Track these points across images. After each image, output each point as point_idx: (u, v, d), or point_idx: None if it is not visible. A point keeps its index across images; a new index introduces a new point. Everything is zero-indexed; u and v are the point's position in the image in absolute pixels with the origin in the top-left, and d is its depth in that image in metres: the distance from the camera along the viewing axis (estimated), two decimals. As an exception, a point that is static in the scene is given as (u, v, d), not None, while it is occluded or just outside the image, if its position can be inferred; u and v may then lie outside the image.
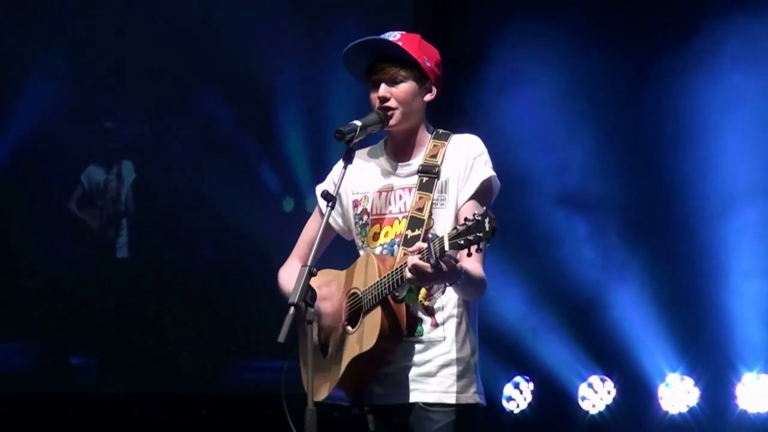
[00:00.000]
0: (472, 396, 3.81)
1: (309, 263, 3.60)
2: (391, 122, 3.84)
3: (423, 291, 3.76)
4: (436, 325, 3.79)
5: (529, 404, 7.95)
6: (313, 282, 3.63)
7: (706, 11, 7.13)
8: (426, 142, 3.90)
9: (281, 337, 3.46)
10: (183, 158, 8.94)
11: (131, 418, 8.52)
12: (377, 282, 3.69)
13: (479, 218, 3.41)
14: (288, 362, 3.75)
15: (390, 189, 3.90)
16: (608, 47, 7.47)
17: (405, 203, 3.85)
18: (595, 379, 7.72)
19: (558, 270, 7.58)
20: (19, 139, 8.91)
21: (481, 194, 3.81)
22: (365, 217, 3.92)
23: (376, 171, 3.94)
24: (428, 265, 3.49)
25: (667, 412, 7.46)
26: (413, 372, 3.78)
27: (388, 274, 3.66)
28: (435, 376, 3.77)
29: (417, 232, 3.74)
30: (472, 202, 3.79)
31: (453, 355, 3.78)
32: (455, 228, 3.47)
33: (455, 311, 3.80)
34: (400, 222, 3.84)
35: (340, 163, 3.85)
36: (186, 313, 8.84)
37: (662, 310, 7.36)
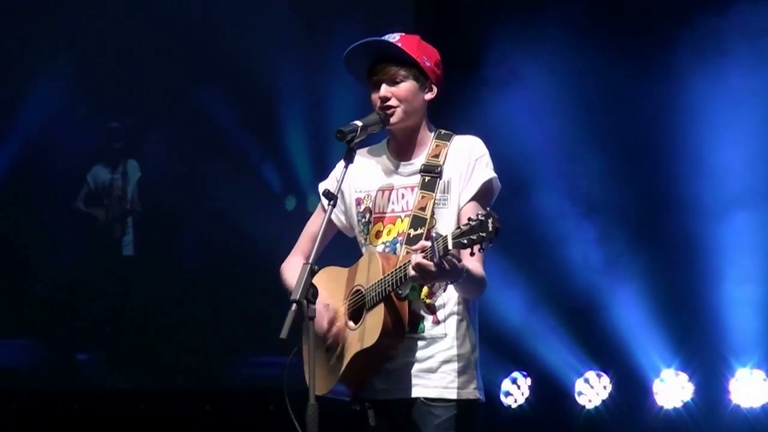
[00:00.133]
0: (472, 392, 3.81)
1: (311, 261, 3.60)
2: (392, 120, 3.84)
3: (425, 289, 3.76)
4: (437, 323, 3.79)
5: (527, 399, 7.95)
6: (319, 279, 3.63)
7: (705, 11, 7.11)
8: (428, 141, 3.90)
9: (283, 333, 3.46)
10: (187, 158, 8.93)
11: (136, 413, 8.52)
12: (381, 279, 3.69)
13: (482, 218, 3.42)
14: (290, 358, 3.74)
15: (392, 188, 3.90)
16: (607, 48, 7.45)
17: (407, 202, 3.85)
18: (591, 374, 7.72)
19: (556, 269, 7.58)
20: (26, 140, 8.90)
21: (483, 195, 3.81)
22: (368, 215, 3.92)
23: (378, 170, 3.94)
24: (431, 263, 3.49)
25: (661, 407, 7.46)
26: (415, 368, 3.78)
27: (391, 272, 3.66)
28: (436, 372, 3.78)
29: (419, 231, 3.74)
30: (474, 203, 3.79)
31: (454, 352, 3.78)
32: (459, 228, 3.47)
33: (456, 309, 3.80)
34: (402, 220, 3.84)
35: (342, 163, 3.84)
36: (190, 310, 8.84)
37: (657, 307, 7.35)
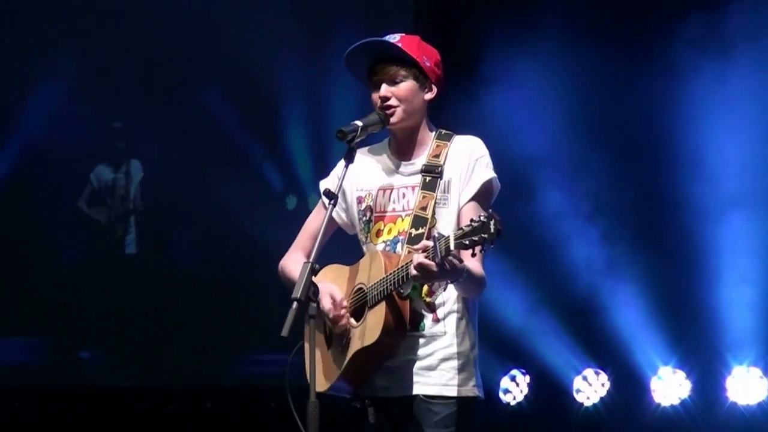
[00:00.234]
0: (471, 389, 3.80)
1: (311, 259, 3.59)
2: (393, 120, 3.83)
3: (425, 287, 3.76)
4: (437, 321, 3.78)
5: (526, 396, 7.94)
6: (321, 276, 3.64)
7: (705, 12, 7.10)
8: (428, 141, 3.89)
9: (284, 332, 3.45)
10: (189, 157, 8.92)
11: (139, 410, 8.51)
12: (383, 278, 3.68)
13: (484, 220, 3.42)
14: (292, 356, 3.73)
15: (393, 187, 3.89)
16: (606, 49, 7.43)
17: (408, 201, 3.85)
18: (589, 372, 7.71)
19: (554, 269, 7.57)
20: (29, 140, 8.90)
21: (482, 195, 3.81)
22: (369, 214, 3.91)
23: (380, 169, 3.93)
24: (433, 263, 3.49)
25: (659, 404, 7.45)
26: (415, 365, 3.77)
27: (393, 271, 3.65)
28: (436, 370, 3.77)
29: (421, 230, 3.74)
30: (474, 203, 3.79)
31: (453, 350, 3.78)
32: (461, 228, 3.47)
33: (456, 307, 3.80)
34: (403, 219, 3.84)
35: (342, 162, 3.83)
36: (192, 309, 8.84)
37: (655, 306, 7.35)
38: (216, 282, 8.80)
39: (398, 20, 8.24)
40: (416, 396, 3.76)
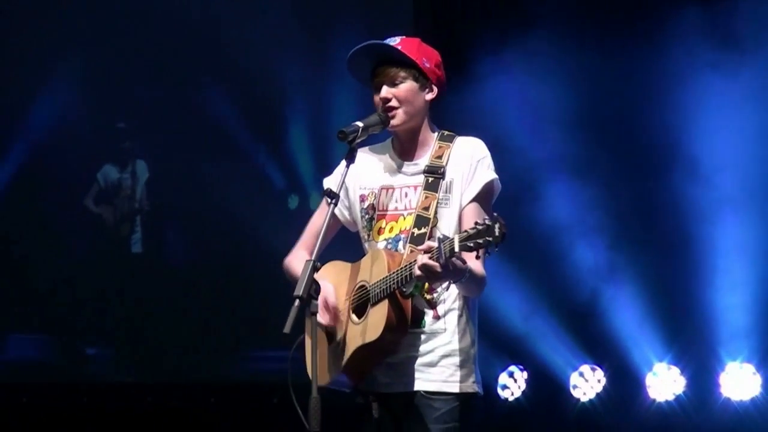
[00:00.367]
0: (471, 385, 3.80)
1: (313, 257, 3.59)
2: (394, 122, 3.84)
3: (426, 285, 3.75)
4: (437, 318, 3.78)
5: (523, 392, 7.93)
6: (325, 272, 3.66)
7: (698, 13, 7.10)
8: (431, 142, 3.89)
9: (287, 328, 3.46)
10: (193, 158, 8.92)
11: (144, 405, 8.51)
12: (386, 277, 3.68)
13: (489, 223, 3.42)
14: (293, 351, 3.73)
15: (396, 186, 3.89)
16: (601, 50, 7.43)
17: (410, 201, 3.85)
18: (586, 368, 7.70)
19: (552, 268, 7.56)
20: (36, 140, 8.90)
21: (484, 196, 3.81)
22: (371, 212, 3.91)
23: (383, 168, 3.93)
24: (438, 264, 3.50)
25: (654, 400, 7.45)
26: (416, 362, 3.77)
27: (396, 270, 3.65)
28: (436, 366, 3.76)
29: (423, 230, 3.74)
30: (475, 204, 3.79)
31: (453, 346, 3.77)
32: (466, 231, 3.47)
33: (456, 304, 3.79)
34: (405, 218, 3.84)
35: (344, 162, 3.83)
36: (196, 306, 8.84)
37: (650, 303, 7.34)
38: (219, 280, 8.79)
39: (398, 21, 8.24)
40: (417, 392, 3.76)
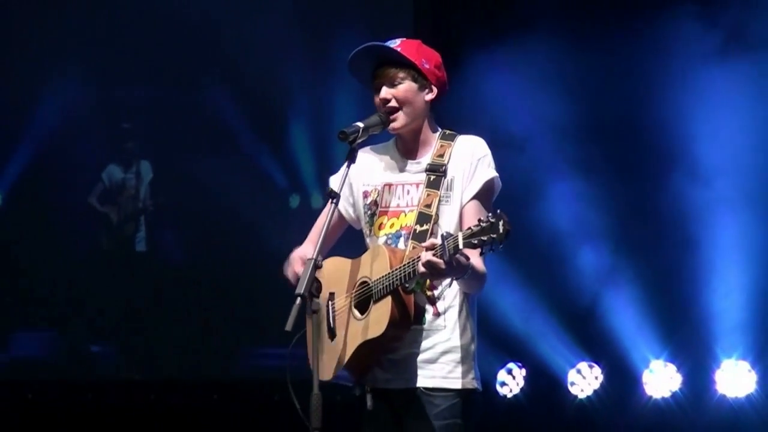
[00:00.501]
0: (470, 381, 3.79)
1: (314, 256, 3.58)
2: (395, 125, 3.84)
3: (427, 281, 3.74)
4: (437, 315, 3.77)
5: (522, 389, 7.94)
6: (325, 268, 3.65)
7: (694, 11, 7.08)
8: (432, 141, 3.89)
9: (288, 326, 3.45)
10: (197, 158, 8.91)
11: (148, 402, 8.50)
12: (389, 273, 3.67)
13: (493, 220, 3.41)
14: (291, 345, 3.72)
15: (399, 184, 3.89)
16: (601, 52, 7.43)
17: (412, 198, 3.85)
18: (583, 365, 7.71)
19: (550, 267, 7.56)
20: (42, 140, 8.89)
21: (484, 194, 3.80)
22: (374, 208, 3.91)
23: (386, 166, 3.93)
24: (441, 261, 3.49)
25: (651, 397, 7.46)
26: (416, 358, 3.76)
27: (400, 267, 3.65)
28: (436, 362, 3.75)
29: (425, 227, 3.74)
30: (476, 201, 3.78)
31: (453, 343, 3.76)
32: (470, 228, 3.46)
33: (455, 301, 3.79)
34: (406, 215, 3.83)
35: (346, 163, 3.83)
36: (199, 304, 8.84)
37: (647, 301, 7.35)
38: (222, 279, 8.79)
39: (398, 22, 8.24)
40: (417, 388, 3.75)
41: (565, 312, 7.63)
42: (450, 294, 3.78)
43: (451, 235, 3.48)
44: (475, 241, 3.42)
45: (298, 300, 3.49)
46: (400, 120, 3.83)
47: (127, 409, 8.43)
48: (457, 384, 3.75)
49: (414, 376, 3.75)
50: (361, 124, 3.77)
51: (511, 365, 7.95)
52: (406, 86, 3.82)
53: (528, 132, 7.52)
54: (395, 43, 3.85)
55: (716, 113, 7.06)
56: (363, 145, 3.85)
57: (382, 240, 3.83)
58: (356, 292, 3.80)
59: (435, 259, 3.49)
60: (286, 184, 8.98)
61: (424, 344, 3.76)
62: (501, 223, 3.39)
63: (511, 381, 7.96)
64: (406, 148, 3.91)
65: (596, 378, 7.68)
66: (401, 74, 3.82)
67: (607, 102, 7.47)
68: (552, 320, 7.64)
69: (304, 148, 8.82)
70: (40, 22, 8.93)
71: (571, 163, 7.53)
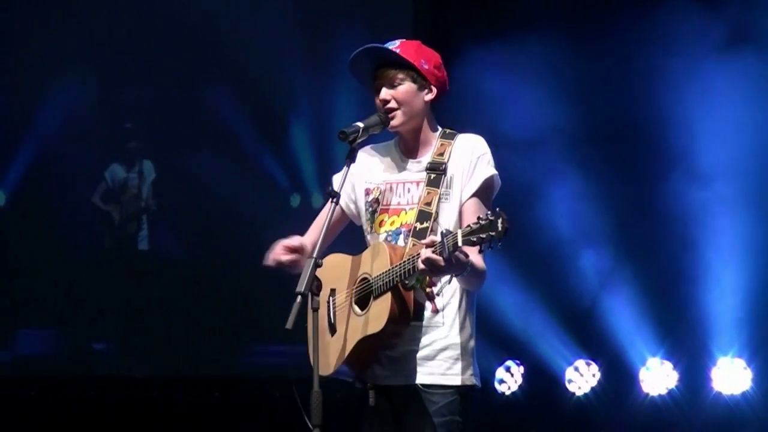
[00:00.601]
0: (468, 378, 3.78)
1: (315, 255, 3.59)
2: (394, 123, 3.84)
3: (426, 278, 3.75)
4: (436, 311, 3.78)
5: (520, 386, 7.94)
6: (326, 264, 3.67)
7: (691, 10, 7.08)
8: (433, 140, 3.90)
9: (289, 324, 3.46)
10: (199, 158, 8.92)
11: (150, 399, 8.51)
12: (389, 270, 3.68)
13: (492, 218, 3.42)
14: (293, 346, 3.73)
15: (400, 182, 3.90)
16: (601, 54, 7.43)
17: (412, 196, 3.85)
18: (581, 363, 7.71)
19: (548, 266, 7.56)
20: (46, 140, 8.90)
21: (484, 191, 3.81)
22: (375, 206, 3.92)
23: (388, 165, 3.94)
24: (441, 258, 3.50)
25: (647, 394, 7.46)
26: (415, 355, 3.76)
27: (400, 264, 3.66)
28: (434, 359, 3.76)
29: (425, 224, 3.75)
30: (475, 199, 3.79)
31: (451, 340, 3.77)
32: (469, 226, 3.47)
33: (454, 298, 3.79)
34: (406, 213, 3.84)
35: (346, 162, 3.83)
36: (201, 302, 8.85)
37: (644, 299, 7.35)
38: (223, 277, 8.80)
39: (398, 22, 8.25)
40: (416, 385, 3.75)
41: (563, 310, 7.64)
42: (449, 291, 3.78)
43: (451, 232, 3.49)
44: (474, 239, 3.43)
45: (299, 298, 3.49)
46: (398, 118, 3.84)
47: (130, 406, 8.43)
48: (455, 380, 3.75)
49: (413, 373, 3.75)
50: (361, 124, 3.78)
51: (509, 363, 7.95)
52: (405, 87, 3.83)
53: (527, 132, 7.52)
54: (395, 45, 3.86)
55: (716, 114, 7.06)
56: (364, 144, 3.86)
57: (382, 237, 3.84)
58: (357, 288, 3.80)
59: (434, 256, 3.50)
60: (287, 184, 9.00)
61: (423, 341, 3.76)
62: (500, 221, 3.40)
63: (509, 378, 7.96)
64: (407, 148, 3.92)
65: (594, 375, 7.69)
66: (400, 75, 3.82)
67: (606, 102, 7.47)
68: (550, 319, 7.64)
69: (304, 147, 8.84)
70: (43, 24, 8.94)
71: (569, 162, 7.53)
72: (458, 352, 3.76)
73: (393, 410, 3.80)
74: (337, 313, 3.84)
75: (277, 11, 8.81)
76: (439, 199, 3.78)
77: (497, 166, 3.85)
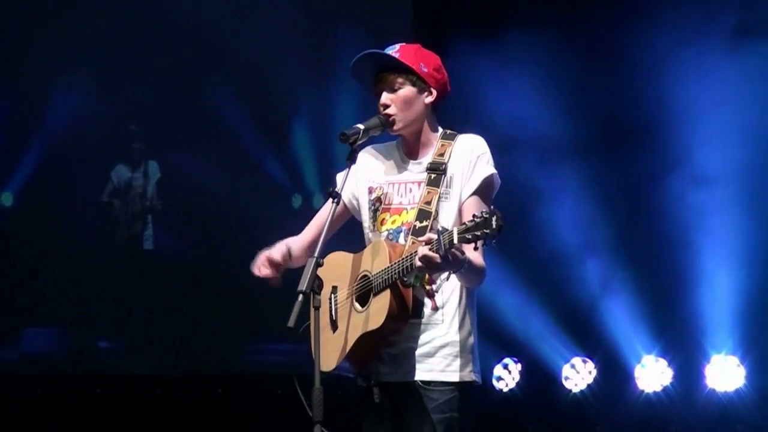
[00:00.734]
0: (468, 374, 3.80)
1: (316, 254, 3.61)
2: (395, 128, 3.88)
3: (427, 276, 3.77)
4: (436, 309, 3.79)
5: (517, 383, 7.95)
6: (327, 262, 3.69)
7: (688, 10, 7.08)
8: (434, 141, 3.92)
9: (291, 322, 3.48)
10: (203, 158, 8.93)
11: (154, 396, 8.52)
12: (388, 267, 3.70)
13: (487, 216, 3.44)
14: (296, 344, 3.75)
15: (401, 182, 3.92)
16: (597, 52, 7.44)
17: (414, 196, 3.87)
18: (577, 360, 7.72)
19: (546, 265, 7.57)
20: (52, 141, 8.90)
21: (484, 190, 3.83)
22: (377, 204, 3.94)
23: (390, 165, 3.96)
24: (437, 255, 3.52)
25: (642, 391, 7.47)
26: (415, 352, 3.78)
27: (398, 261, 3.68)
28: (434, 356, 3.77)
29: (425, 223, 3.77)
30: (475, 197, 3.81)
31: (451, 337, 3.78)
32: (464, 223, 3.49)
33: (454, 296, 3.81)
34: (407, 212, 3.86)
35: (348, 163, 3.85)
36: (204, 301, 8.85)
37: (639, 298, 7.36)
38: (226, 276, 8.76)
39: (398, 24, 8.26)
40: (415, 381, 3.76)
41: (560, 309, 7.65)
42: (448, 288, 3.80)
43: (447, 230, 3.51)
44: (469, 236, 3.45)
45: (300, 296, 3.51)
46: (399, 123, 3.86)
47: (134, 403, 8.44)
48: (454, 377, 3.76)
49: (412, 370, 3.76)
50: (361, 126, 3.81)
51: (507, 360, 7.97)
52: (405, 91, 3.85)
53: (527, 132, 7.53)
54: (394, 49, 3.88)
55: (715, 116, 7.05)
56: (365, 145, 3.88)
57: (384, 235, 3.86)
58: (357, 285, 3.82)
59: (431, 253, 3.52)
60: (289, 185, 9.00)
61: (423, 338, 3.77)
62: (494, 218, 3.42)
63: (507, 375, 7.97)
64: (408, 149, 3.95)
65: (590, 373, 7.70)
66: (400, 79, 3.85)
67: (606, 104, 7.48)
68: (547, 317, 7.65)
69: (306, 148, 8.84)
70: (49, 26, 8.93)
71: (569, 164, 7.54)
72: (458, 348, 3.78)
73: (393, 406, 3.82)
74: (338, 311, 3.86)
75: (279, 12, 8.81)
76: (439, 198, 3.80)
77: (497, 167, 3.87)
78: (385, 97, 3.86)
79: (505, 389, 7.94)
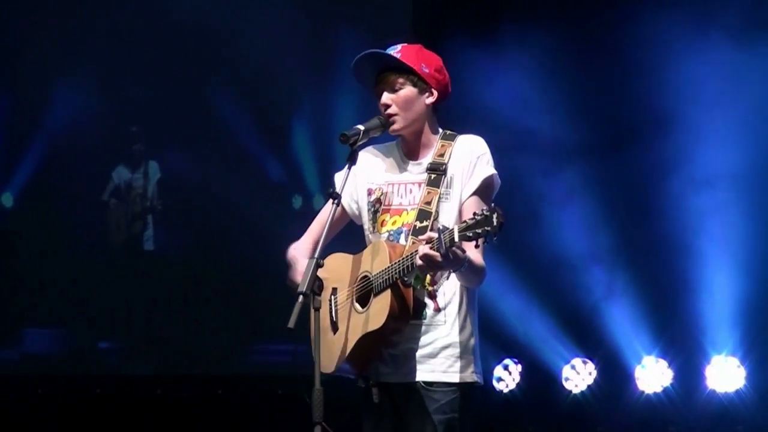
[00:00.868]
0: (469, 375, 3.78)
1: (317, 255, 3.60)
2: (395, 127, 3.85)
3: (428, 277, 3.75)
4: (438, 310, 3.78)
5: (518, 384, 7.95)
6: (328, 264, 3.68)
7: (687, 10, 7.07)
8: (434, 142, 3.90)
9: (291, 323, 3.46)
10: (203, 159, 8.93)
11: (154, 397, 8.51)
12: (388, 267, 3.69)
13: (487, 213, 3.43)
14: (297, 344, 3.74)
15: (402, 183, 3.90)
16: (595, 52, 7.44)
17: (414, 197, 3.86)
18: (577, 361, 7.72)
19: (547, 265, 7.57)
20: (53, 142, 8.90)
21: (484, 190, 3.81)
22: (377, 206, 3.92)
23: (390, 166, 3.95)
24: (438, 254, 3.51)
25: (643, 392, 7.46)
26: (416, 353, 3.76)
27: (398, 261, 3.66)
28: (436, 357, 3.75)
29: (425, 223, 3.76)
30: (475, 198, 3.80)
31: (453, 338, 3.76)
32: (464, 221, 3.48)
33: (455, 296, 3.79)
34: (408, 213, 3.85)
35: (348, 164, 3.83)
36: (204, 301, 8.85)
37: (640, 299, 7.35)
38: (226, 277, 8.80)
39: (398, 25, 8.26)
40: (417, 382, 3.75)
41: (559, 310, 7.64)
42: (450, 290, 3.78)
43: (447, 228, 3.49)
44: (470, 234, 3.43)
45: (301, 298, 3.50)
46: (399, 124, 3.85)
47: (134, 403, 8.43)
48: (455, 378, 3.75)
49: (414, 370, 3.75)
50: (361, 127, 3.79)
51: (507, 361, 7.96)
52: (406, 91, 3.84)
53: (526, 133, 7.52)
54: (395, 49, 3.86)
55: (715, 119, 7.05)
56: (366, 145, 3.87)
57: (384, 236, 3.85)
58: (358, 286, 3.81)
59: (432, 252, 3.50)
60: (289, 185, 9.00)
61: (425, 339, 3.76)
62: (495, 216, 3.41)
63: (507, 376, 7.96)
64: (408, 150, 3.93)
65: (590, 374, 7.69)
66: (401, 80, 3.83)
67: (606, 103, 7.47)
68: (547, 318, 7.64)
69: (306, 149, 8.84)
70: (50, 26, 8.94)
71: (570, 166, 7.54)
72: (460, 349, 3.76)
73: (394, 407, 3.80)
74: (338, 312, 3.84)
75: (279, 13, 8.81)
76: (439, 198, 3.79)
77: (496, 168, 3.85)
78: (386, 97, 3.84)
79: (506, 390, 7.94)
